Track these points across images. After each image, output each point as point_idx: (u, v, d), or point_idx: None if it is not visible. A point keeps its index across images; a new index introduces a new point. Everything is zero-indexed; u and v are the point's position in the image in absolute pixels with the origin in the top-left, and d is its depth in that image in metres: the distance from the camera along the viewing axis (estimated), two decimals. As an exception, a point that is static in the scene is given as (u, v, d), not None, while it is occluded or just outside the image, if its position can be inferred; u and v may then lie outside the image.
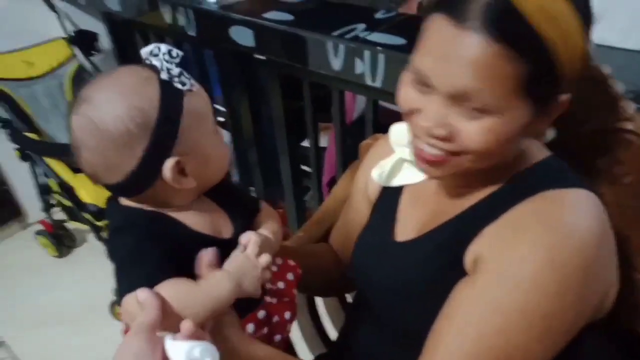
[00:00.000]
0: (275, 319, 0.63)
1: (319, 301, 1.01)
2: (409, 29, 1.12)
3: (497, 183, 0.57)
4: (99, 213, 1.65)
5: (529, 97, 0.48)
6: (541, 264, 0.49)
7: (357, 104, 1.66)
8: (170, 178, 0.53)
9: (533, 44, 0.45)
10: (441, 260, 0.58)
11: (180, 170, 0.54)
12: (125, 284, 0.51)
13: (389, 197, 0.72)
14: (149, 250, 0.52)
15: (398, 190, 0.71)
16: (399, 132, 0.68)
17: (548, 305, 0.49)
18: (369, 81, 1.10)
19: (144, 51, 0.53)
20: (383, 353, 0.68)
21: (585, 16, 0.47)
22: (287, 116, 1.50)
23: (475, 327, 0.51)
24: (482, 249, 0.53)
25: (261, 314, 0.61)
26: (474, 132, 0.49)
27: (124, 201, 0.57)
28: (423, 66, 0.50)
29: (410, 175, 0.69)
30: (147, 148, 0.51)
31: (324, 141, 1.66)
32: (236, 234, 0.59)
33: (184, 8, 1.40)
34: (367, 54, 1.06)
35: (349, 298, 1.03)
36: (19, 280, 1.89)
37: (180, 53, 0.53)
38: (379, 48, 1.04)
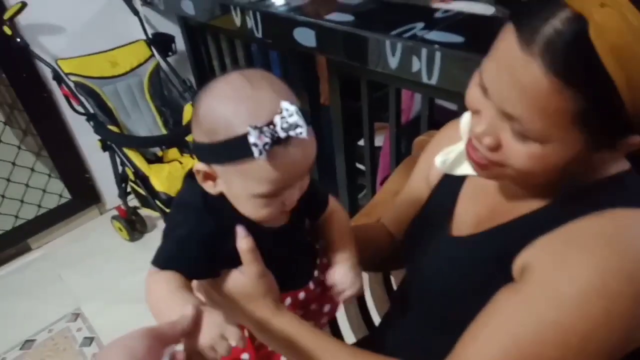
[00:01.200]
0: (313, 307, 0.66)
1: (365, 287, 1.04)
2: (468, 27, 1.14)
3: (559, 192, 0.55)
4: (169, 201, 1.79)
5: (582, 129, 0.45)
6: (591, 287, 0.47)
7: (414, 105, 1.69)
8: (200, 178, 0.56)
9: (596, 82, 0.42)
10: (492, 262, 0.58)
11: (207, 176, 0.55)
12: (155, 253, 0.55)
13: (449, 185, 0.71)
14: (185, 236, 0.55)
15: (459, 180, 0.70)
16: (469, 120, 0.68)
17: (589, 328, 0.47)
18: (425, 79, 1.12)
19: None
20: (423, 340, 0.69)
21: None
22: (344, 115, 1.55)
23: (511, 333, 0.50)
24: (532, 258, 0.52)
25: (301, 295, 0.64)
26: (518, 152, 0.49)
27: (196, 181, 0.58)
28: (486, 74, 0.49)
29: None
30: (209, 145, 0.52)
31: (379, 141, 1.69)
32: (290, 223, 0.62)
33: (252, 11, 1.50)
34: (423, 52, 1.08)
35: (394, 286, 1.06)
36: (97, 261, 2.07)
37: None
38: (435, 46, 1.07)
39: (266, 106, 0.49)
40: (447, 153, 0.70)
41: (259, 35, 1.53)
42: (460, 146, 0.69)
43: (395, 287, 1.06)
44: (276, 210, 0.55)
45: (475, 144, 0.54)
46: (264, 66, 1.98)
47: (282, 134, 0.48)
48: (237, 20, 1.58)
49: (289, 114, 0.48)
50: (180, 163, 1.88)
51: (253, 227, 0.57)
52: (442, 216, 0.70)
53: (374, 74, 1.29)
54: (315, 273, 0.67)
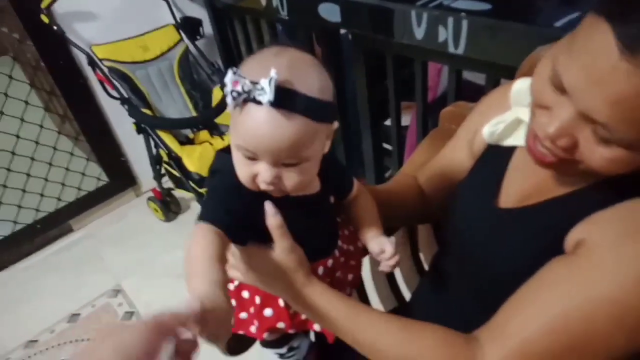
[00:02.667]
0: (338, 274, 0.68)
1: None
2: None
3: None
4: (201, 181, 1.84)
5: None
6: None
7: (441, 82, 1.66)
8: None
9: None
10: (543, 236, 0.57)
11: None
12: (199, 214, 0.57)
13: (497, 156, 0.69)
14: (219, 195, 0.58)
15: (507, 151, 0.68)
16: (521, 90, 0.65)
17: None
18: (451, 49, 1.10)
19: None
20: (460, 311, 0.69)
21: None
22: (370, 94, 1.54)
23: (561, 305, 0.49)
24: (588, 233, 0.51)
25: (330, 262, 0.66)
26: (599, 156, 0.47)
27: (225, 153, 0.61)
28: (566, 73, 0.46)
29: (523, 138, 0.66)
30: None
31: (406, 120, 1.68)
32: (317, 196, 0.64)
33: (277, -11, 1.50)
34: (450, 20, 1.07)
35: (426, 266, 1.06)
36: (135, 240, 2.16)
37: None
38: (462, 14, 1.05)
39: (264, 69, 0.50)
40: (495, 124, 0.68)
41: (284, 13, 1.53)
42: (508, 116, 0.67)
43: (423, 259, 1.07)
44: (250, 177, 0.56)
45: (543, 145, 0.50)
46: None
47: (245, 90, 0.50)
48: (263, 0, 1.59)
49: (268, 82, 0.49)
50: (211, 144, 1.92)
51: (280, 199, 0.59)
52: (490, 187, 0.68)
53: (399, 47, 1.28)
54: (339, 242, 0.69)
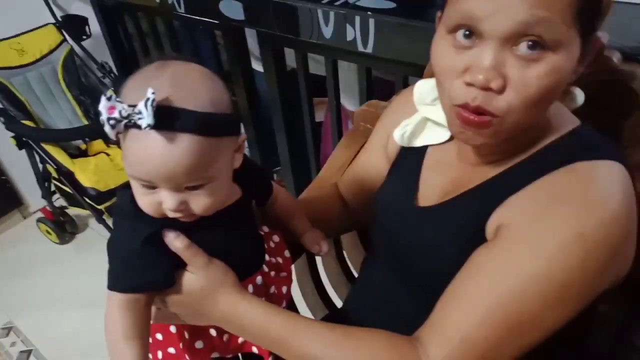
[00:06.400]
0: (272, 290, 0.65)
1: (320, 267, 1.03)
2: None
3: (524, 153, 0.56)
4: (99, 197, 1.66)
5: (578, 27, 0.47)
6: (569, 237, 0.48)
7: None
8: None
9: None
10: (464, 228, 0.58)
11: None
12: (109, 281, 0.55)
13: (410, 158, 0.71)
14: (124, 249, 0.54)
15: (420, 151, 0.70)
16: (422, 90, 0.67)
17: (567, 276, 0.49)
18: (360, 48, 1.10)
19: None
20: (397, 312, 0.69)
21: None
22: (281, 93, 1.49)
23: (492, 290, 0.51)
24: (506, 217, 0.53)
25: (259, 279, 0.63)
26: (533, 76, 0.47)
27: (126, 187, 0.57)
28: (471, 9, 0.47)
29: (433, 136, 0.68)
30: None
31: (319, 117, 1.66)
32: (237, 209, 0.60)
33: (172, -15, 1.39)
34: (357, 19, 1.06)
35: (355, 273, 1.05)
36: (26, 268, 1.91)
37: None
38: (368, 13, 1.04)
39: (143, 89, 0.46)
40: (404, 126, 0.69)
41: (182, 10, 1.43)
42: (416, 118, 0.68)
43: (350, 265, 1.05)
44: (154, 206, 0.52)
45: (476, 100, 0.50)
46: (191, 43, 1.86)
47: (123, 116, 0.46)
48: (156, -4, 1.47)
49: (144, 104, 0.45)
50: (108, 155, 1.75)
51: (195, 221, 0.55)
52: (408, 188, 0.69)
53: (308, 46, 1.25)
54: (267, 257, 0.65)
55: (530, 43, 0.47)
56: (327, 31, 1.13)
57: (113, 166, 1.70)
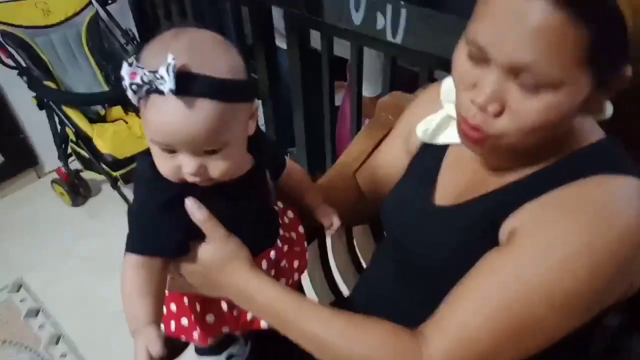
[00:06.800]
0: (283, 263, 0.66)
1: (330, 255, 1.04)
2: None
3: (544, 161, 0.57)
4: (115, 163, 1.68)
5: (590, 67, 0.46)
6: (578, 247, 0.49)
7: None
8: None
9: (602, 8, 0.44)
10: (478, 230, 0.59)
11: None
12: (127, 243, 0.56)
13: (431, 155, 0.71)
14: (142, 212, 0.57)
15: (441, 149, 0.70)
16: (450, 87, 0.66)
17: (574, 286, 0.49)
18: (389, 37, 1.09)
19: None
20: (404, 306, 0.69)
21: None
22: (303, 74, 1.49)
23: (499, 293, 0.52)
24: (520, 222, 0.54)
25: (272, 254, 0.64)
26: (530, 108, 0.48)
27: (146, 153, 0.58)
28: (480, 37, 0.48)
29: (455, 134, 0.67)
30: None
31: (338, 100, 1.65)
32: (250, 181, 0.61)
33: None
34: (389, 8, 1.04)
35: (364, 263, 1.06)
36: (37, 228, 1.94)
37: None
38: (401, 2, 1.03)
39: (162, 55, 0.47)
40: (428, 122, 0.69)
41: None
42: (441, 114, 0.68)
43: (360, 256, 1.06)
44: (173, 170, 0.54)
45: (475, 118, 0.52)
46: (213, 15, 1.85)
47: (145, 82, 0.47)
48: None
49: (166, 69, 0.46)
50: (126, 122, 1.76)
51: (210, 188, 0.56)
52: (425, 185, 0.69)
53: (335, 30, 1.24)
54: (281, 231, 0.66)
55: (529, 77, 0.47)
56: (357, 17, 1.11)
57: (130, 134, 1.71)
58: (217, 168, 0.54)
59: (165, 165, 0.54)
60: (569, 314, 0.51)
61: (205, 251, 0.58)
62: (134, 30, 2.00)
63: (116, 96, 1.77)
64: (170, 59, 0.46)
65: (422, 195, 0.69)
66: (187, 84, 0.48)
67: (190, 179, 0.54)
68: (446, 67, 0.81)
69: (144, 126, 0.53)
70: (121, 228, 0.57)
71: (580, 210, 0.51)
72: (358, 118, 1.45)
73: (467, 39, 0.51)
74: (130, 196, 1.58)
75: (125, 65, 0.48)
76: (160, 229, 0.56)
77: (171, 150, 0.52)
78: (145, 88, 0.48)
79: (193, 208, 0.56)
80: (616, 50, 0.47)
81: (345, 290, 1.04)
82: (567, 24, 0.43)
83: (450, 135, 0.68)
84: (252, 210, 0.62)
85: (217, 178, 0.55)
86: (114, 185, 1.73)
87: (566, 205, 0.52)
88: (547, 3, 0.43)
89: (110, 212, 1.92)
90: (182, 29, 0.52)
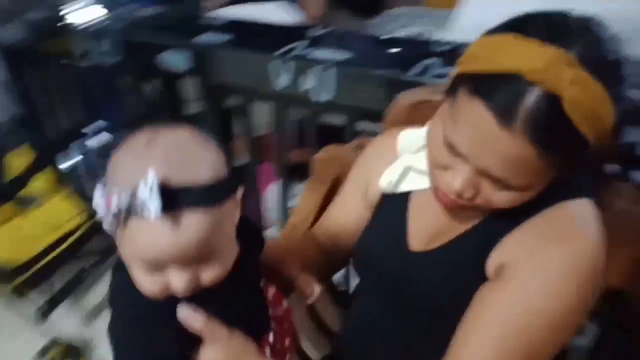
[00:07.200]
0: (278, 345, 0.63)
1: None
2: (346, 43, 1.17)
3: None
4: (13, 272, 1.44)
5: (558, 171, 0.52)
6: (564, 269, 0.54)
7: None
8: None
9: (573, 142, 0.48)
10: (464, 269, 0.61)
11: None
12: None
13: (394, 202, 0.73)
14: (139, 333, 0.51)
15: (403, 195, 0.72)
16: (407, 139, 0.70)
17: (568, 304, 0.54)
18: (315, 97, 1.12)
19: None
20: (396, 338, 0.70)
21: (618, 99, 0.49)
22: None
23: (502, 326, 0.55)
24: (505, 256, 0.57)
25: (270, 337, 0.61)
26: (500, 199, 0.54)
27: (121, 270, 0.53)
28: (456, 142, 0.52)
29: (416, 182, 0.70)
30: None
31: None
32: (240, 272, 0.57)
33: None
34: (314, 69, 1.09)
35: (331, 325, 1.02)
36: None
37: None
38: (325, 64, 1.08)
39: (138, 170, 0.43)
40: (390, 174, 0.72)
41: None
42: (400, 165, 0.71)
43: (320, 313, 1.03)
44: (161, 288, 0.48)
45: (449, 197, 0.56)
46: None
47: (124, 207, 0.43)
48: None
49: (149, 190, 0.42)
50: (21, 221, 1.54)
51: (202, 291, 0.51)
52: (397, 232, 0.71)
53: (259, 95, 1.25)
54: (270, 311, 0.63)
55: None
56: (283, 80, 1.14)
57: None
58: (209, 276, 0.49)
59: (149, 283, 0.48)
60: (567, 331, 0.56)
61: (209, 354, 0.53)
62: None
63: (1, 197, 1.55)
64: (150, 178, 0.42)
65: (396, 242, 0.70)
66: (172, 200, 0.43)
67: (181, 294, 0.48)
68: (370, 117, 0.86)
69: (120, 248, 0.47)
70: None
71: (555, 238, 0.56)
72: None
73: (444, 133, 0.54)
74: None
75: (98, 188, 0.42)
76: (156, 348, 0.50)
77: (158, 267, 0.47)
78: (123, 216, 0.42)
79: (188, 317, 0.51)
80: (581, 157, 0.52)
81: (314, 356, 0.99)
82: (535, 156, 0.48)
83: (411, 183, 0.71)
84: (246, 297, 0.58)
85: (210, 285, 0.50)
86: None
87: (542, 235, 0.57)
88: (525, 140, 0.47)
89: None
90: (152, 132, 0.47)
